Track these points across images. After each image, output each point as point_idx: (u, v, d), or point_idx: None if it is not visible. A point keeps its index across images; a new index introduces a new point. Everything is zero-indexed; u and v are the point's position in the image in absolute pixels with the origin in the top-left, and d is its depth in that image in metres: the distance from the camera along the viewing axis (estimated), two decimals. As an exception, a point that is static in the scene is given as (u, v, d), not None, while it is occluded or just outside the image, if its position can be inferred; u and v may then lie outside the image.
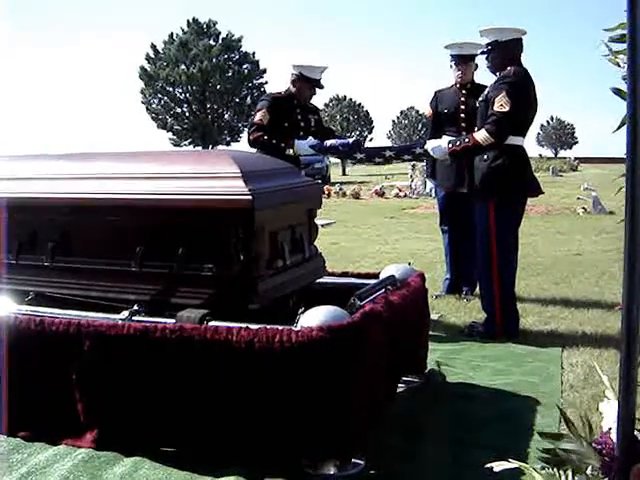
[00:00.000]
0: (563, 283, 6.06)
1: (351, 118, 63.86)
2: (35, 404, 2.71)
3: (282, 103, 4.85)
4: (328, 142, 4.64)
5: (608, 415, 1.78)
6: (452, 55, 5.25)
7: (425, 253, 7.89)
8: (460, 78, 5.27)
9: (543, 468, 1.80)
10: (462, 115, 5.22)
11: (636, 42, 1.51)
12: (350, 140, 4.60)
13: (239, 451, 2.45)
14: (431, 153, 4.31)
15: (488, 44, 4.23)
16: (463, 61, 5.21)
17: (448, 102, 5.33)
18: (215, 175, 2.71)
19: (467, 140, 4.16)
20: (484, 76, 5.15)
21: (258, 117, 4.80)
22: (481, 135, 4.09)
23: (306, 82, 4.87)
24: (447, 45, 5.25)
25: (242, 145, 45.70)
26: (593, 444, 1.71)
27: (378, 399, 2.73)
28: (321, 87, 4.95)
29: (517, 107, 4.03)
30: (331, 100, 61.95)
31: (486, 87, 4.54)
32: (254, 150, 4.72)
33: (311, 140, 4.69)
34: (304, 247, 3.12)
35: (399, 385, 3.24)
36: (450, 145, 4.22)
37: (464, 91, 5.26)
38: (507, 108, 4.01)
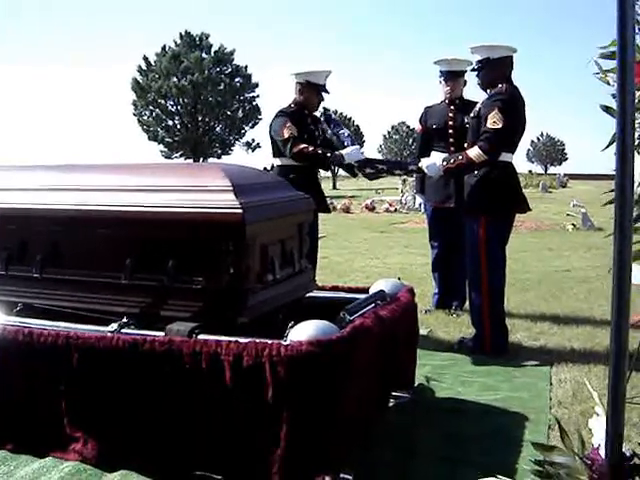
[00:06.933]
0: (552, 299, 6.08)
1: (342, 132, 63.92)
2: (22, 416, 2.69)
3: (295, 116, 4.76)
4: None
5: (597, 431, 1.78)
6: (441, 71, 5.29)
7: (415, 268, 7.90)
8: (449, 94, 5.30)
9: (532, 483, 1.80)
10: (451, 131, 5.25)
11: (626, 60, 1.53)
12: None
13: (227, 464, 2.44)
14: (425, 171, 4.33)
15: (479, 61, 4.25)
16: (452, 77, 5.25)
17: (437, 118, 5.36)
18: (206, 188, 2.71)
19: (461, 158, 4.17)
20: (474, 92, 5.20)
21: (288, 131, 4.62)
22: (474, 152, 4.10)
23: (313, 89, 4.83)
24: (436, 61, 5.28)
25: (233, 158, 45.70)
26: (584, 459, 1.71)
27: (367, 413, 2.72)
28: (327, 92, 4.90)
29: (509, 124, 4.06)
30: (321, 115, 62.06)
31: (475, 103, 4.57)
32: (297, 163, 4.63)
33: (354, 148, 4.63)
34: (294, 261, 3.12)
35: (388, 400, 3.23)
36: (444, 163, 4.24)
37: (453, 107, 5.30)
38: (500, 125, 4.03)
